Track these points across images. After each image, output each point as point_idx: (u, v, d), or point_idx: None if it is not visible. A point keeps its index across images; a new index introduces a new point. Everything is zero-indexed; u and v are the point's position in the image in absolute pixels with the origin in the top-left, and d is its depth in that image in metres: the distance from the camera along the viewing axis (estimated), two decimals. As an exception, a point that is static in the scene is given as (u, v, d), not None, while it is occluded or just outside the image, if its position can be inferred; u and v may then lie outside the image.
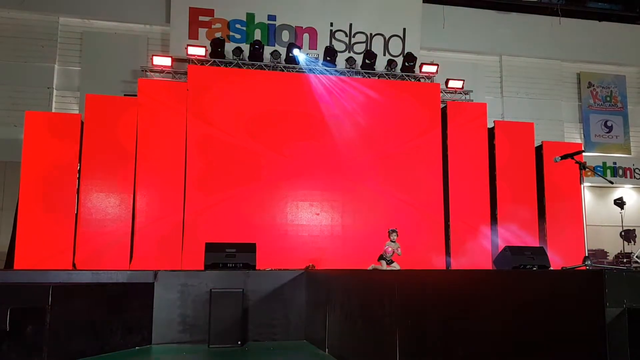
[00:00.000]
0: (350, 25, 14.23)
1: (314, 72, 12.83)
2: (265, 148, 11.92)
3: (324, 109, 12.31)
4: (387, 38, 14.35)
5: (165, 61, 12.42)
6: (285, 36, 13.88)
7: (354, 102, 12.53)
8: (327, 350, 6.87)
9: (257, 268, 8.57)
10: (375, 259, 9.33)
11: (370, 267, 9.10)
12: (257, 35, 13.67)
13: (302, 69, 12.91)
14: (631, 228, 13.71)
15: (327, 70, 13.04)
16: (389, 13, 14.30)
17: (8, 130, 12.67)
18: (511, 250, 8.29)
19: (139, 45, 13.63)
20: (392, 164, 12.38)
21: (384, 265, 9.21)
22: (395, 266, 9.16)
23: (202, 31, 13.47)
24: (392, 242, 9.16)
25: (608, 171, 15.69)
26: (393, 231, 9.25)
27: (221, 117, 11.83)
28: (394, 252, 9.15)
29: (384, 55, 14.11)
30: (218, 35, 13.21)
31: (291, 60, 12.93)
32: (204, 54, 12.49)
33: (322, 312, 7.15)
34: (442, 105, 13.09)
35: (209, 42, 12.77)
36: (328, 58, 13.10)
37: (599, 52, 16.32)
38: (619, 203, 11.36)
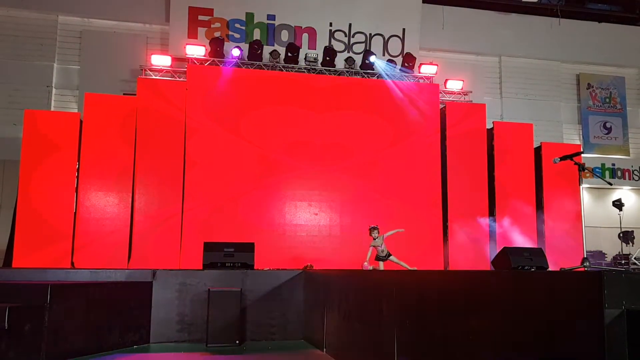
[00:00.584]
0: (350, 25, 14.23)
1: (313, 72, 12.87)
2: (264, 148, 11.92)
3: (323, 109, 12.32)
4: (386, 38, 14.35)
5: (165, 60, 12.41)
6: (285, 36, 13.88)
7: (353, 102, 12.54)
8: (324, 350, 6.87)
9: (255, 268, 8.57)
10: (372, 259, 9.33)
11: (370, 268, 9.10)
12: (257, 34, 13.67)
13: (300, 68, 12.95)
14: (629, 229, 13.73)
15: (327, 70, 13.04)
16: (389, 13, 14.30)
17: (7, 128, 12.65)
18: (509, 251, 8.27)
19: (138, 44, 13.61)
20: (391, 164, 12.39)
21: (381, 266, 9.21)
22: (394, 259, 9.16)
23: (202, 30, 13.46)
24: (375, 238, 9.15)
25: (607, 172, 15.69)
26: (374, 229, 9.23)
27: (220, 117, 11.83)
28: (382, 248, 9.13)
29: (384, 55, 14.11)
30: (217, 34, 13.21)
31: (290, 60, 12.92)
32: (203, 53, 12.49)
33: (320, 312, 7.15)
34: (441, 106, 13.10)
35: (208, 41, 12.77)
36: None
37: (598, 53, 16.33)
38: (618, 204, 11.37)
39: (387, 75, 12.94)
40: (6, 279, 7.51)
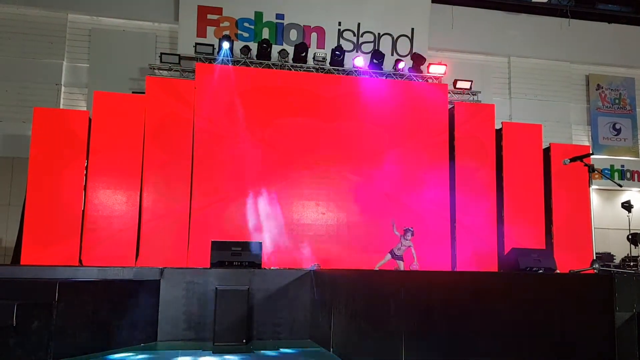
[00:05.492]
0: (359, 24, 14.21)
1: (322, 72, 12.86)
2: (272, 147, 11.92)
3: (331, 109, 12.30)
4: (395, 38, 14.32)
5: (173, 59, 12.45)
6: (293, 35, 13.87)
7: (362, 102, 12.52)
8: (331, 349, 6.87)
9: (262, 267, 8.58)
10: (379, 259, 9.32)
11: (380, 264, 9.10)
12: (265, 34, 13.67)
13: (309, 68, 12.96)
14: (638, 231, 13.63)
15: (335, 70, 13.03)
16: (398, 13, 14.27)
17: (16, 126, 12.71)
18: (518, 252, 8.26)
19: (147, 43, 13.63)
20: (398, 164, 12.36)
21: (400, 264, 9.18)
22: (400, 265, 9.15)
23: (210, 29, 13.47)
24: (407, 240, 9.12)
25: (616, 174, 15.61)
26: (408, 230, 9.19)
27: (228, 115, 11.84)
28: (405, 248, 9.11)
29: (392, 55, 14.08)
30: (226, 33, 13.21)
31: (299, 59, 12.93)
32: (212, 52, 12.51)
33: (327, 312, 7.15)
34: (449, 106, 13.06)
35: (217, 40, 12.78)
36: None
37: (608, 54, 16.24)
38: (627, 206, 11.30)
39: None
40: (14, 276, 7.55)
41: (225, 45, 12.36)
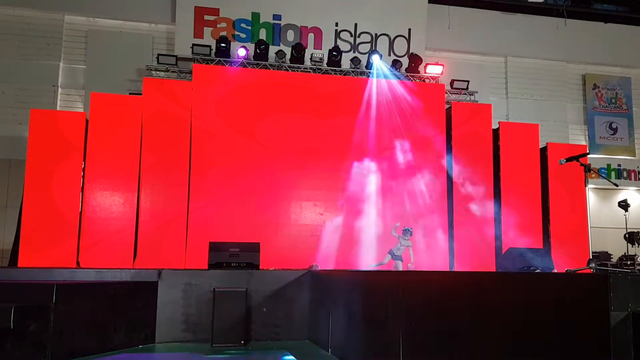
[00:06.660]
0: (356, 25, 14.21)
1: (319, 72, 12.88)
2: (270, 147, 11.92)
3: (328, 110, 12.31)
4: (392, 38, 14.33)
5: (170, 60, 12.45)
6: (290, 36, 13.87)
7: (359, 102, 12.52)
8: (329, 350, 6.87)
9: (260, 268, 8.58)
10: (377, 260, 9.34)
11: (379, 263, 9.12)
12: (262, 34, 13.66)
13: (306, 68, 12.97)
14: (635, 230, 13.65)
15: (333, 70, 13.04)
16: (394, 13, 14.28)
17: (13, 127, 12.67)
18: (515, 252, 8.26)
19: (144, 44, 13.61)
20: (396, 164, 12.36)
21: (398, 264, 9.21)
22: (399, 265, 9.17)
23: (207, 30, 13.47)
24: (405, 240, 9.15)
25: (612, 173, 15.63)
26: (407, 230, 9.22)
27: (226, 116, 11.85)
28: (404, 249, 9.14)
29: (389, 55, 14.09)
30: (223, 34, 13.21)
31: (296, 60, 12.94)
32: (209, 53, 12.52)
33: (325, 313, 7.16)
34: (446, 106, 13.08)
35: (214, 41, 12.78)
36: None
37: (604, 53, 16.26)
38: (623, 205, 11.32)
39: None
40: (12, 278, 7.55)
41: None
